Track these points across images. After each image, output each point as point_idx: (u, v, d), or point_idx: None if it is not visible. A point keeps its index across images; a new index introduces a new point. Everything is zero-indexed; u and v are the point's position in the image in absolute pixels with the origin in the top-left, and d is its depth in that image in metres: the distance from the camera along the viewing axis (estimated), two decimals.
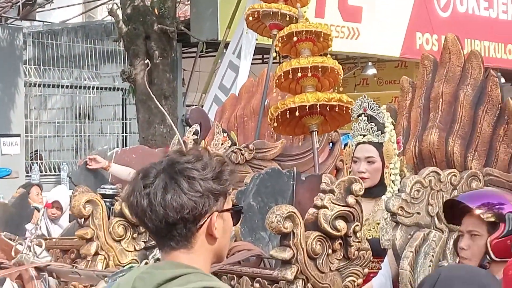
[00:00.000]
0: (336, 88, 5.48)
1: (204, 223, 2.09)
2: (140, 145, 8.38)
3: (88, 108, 14.37)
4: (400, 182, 4.03)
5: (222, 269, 3.96)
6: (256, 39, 10.55)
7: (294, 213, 3.47)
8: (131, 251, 4.41)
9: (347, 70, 16.48)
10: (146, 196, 2.07)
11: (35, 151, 13.92)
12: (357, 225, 3.63)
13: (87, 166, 6.16)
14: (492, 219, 3.35)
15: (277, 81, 5.36)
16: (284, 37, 5.34)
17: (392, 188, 4.18)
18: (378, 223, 4.18)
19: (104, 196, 4.75)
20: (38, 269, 3.56)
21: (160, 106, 6.68)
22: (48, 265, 3.55)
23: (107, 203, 4.61)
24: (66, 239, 4.92)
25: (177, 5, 12.43)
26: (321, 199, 3.58)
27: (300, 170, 5.71)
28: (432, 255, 3.85)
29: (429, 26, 15.16)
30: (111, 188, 5.12)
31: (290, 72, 5.22)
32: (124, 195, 2.20)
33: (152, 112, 11.01)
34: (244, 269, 3.89)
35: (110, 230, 4.33)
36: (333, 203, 3.59)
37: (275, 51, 5.68)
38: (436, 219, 3.97)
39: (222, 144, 5.83)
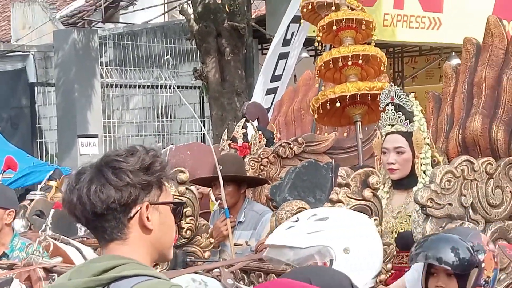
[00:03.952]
0: (383, 76, 5.30)
1: (135, 214, 2.09)
2: (195, 142, 8.36)
3: (168, 107, 14.49)
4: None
5: (250, 266, 3.87)
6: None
7: (305, 208, 3.33)
8: None
9: (432, 61, 16.07)
10: (76, 191, 2.09)
11: None
12: (375, 219, 3.45)
13: None
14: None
15: (319, 71, 5.21)
16: (325, 26, 5.18)
17: (423, 178, 3.99)
18: (410, 216, 3.98)
19: None
20: (47, 270, 3.51)
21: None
22: (55, 266, 3.51)
23: None
24: None
25: (252, 1, 12.37)
26: (336, 193, 3.42)
27: (354, 163, 5.54)
28: None
29: None
30: None
31: (331, 62, 5.06)
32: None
33: (225, 109, 10.98)
34: (271, 266, 3.79)
35: None
36: (349, 197, 3.43)
37: (317, 41, 5.51)
38: (470, 210, 3.76)
39: (259, 142, 5.66)
